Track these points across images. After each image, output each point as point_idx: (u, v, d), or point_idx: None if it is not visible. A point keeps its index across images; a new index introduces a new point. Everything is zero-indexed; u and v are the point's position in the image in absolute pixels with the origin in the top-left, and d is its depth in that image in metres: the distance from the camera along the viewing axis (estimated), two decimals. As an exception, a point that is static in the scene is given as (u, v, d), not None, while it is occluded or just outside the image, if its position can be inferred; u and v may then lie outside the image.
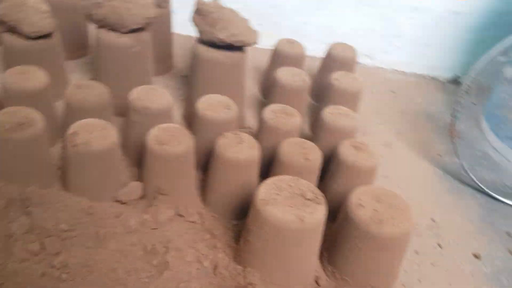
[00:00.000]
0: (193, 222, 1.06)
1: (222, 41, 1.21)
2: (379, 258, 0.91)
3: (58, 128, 1.19)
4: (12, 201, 0.95)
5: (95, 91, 1.10)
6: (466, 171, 1.37)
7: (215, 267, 0.96)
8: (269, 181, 0.90)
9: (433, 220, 1.24)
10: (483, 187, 1.37)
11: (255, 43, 1.25)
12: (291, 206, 0.85)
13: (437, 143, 1.58)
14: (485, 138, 1.60)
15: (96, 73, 1.32)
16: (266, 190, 0.88)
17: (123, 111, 1.27)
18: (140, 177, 1.12)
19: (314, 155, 1.05)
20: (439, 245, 1.16)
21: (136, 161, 1.17)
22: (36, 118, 0.96)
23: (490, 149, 1.56)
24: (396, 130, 1.60)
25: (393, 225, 0.88)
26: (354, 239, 0.91)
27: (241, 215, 1.09)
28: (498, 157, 1.51)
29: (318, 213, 0.86)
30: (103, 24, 1.24)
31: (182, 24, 1.67)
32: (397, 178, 1.36)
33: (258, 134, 1.19)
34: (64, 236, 0.93)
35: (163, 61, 1.58)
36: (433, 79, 2.03)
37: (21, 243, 0.89)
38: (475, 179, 1.37)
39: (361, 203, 0.92)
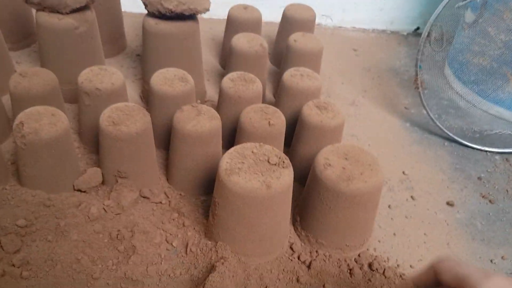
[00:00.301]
0: (159, 202, 1.02)
1: (171, 11, 1.15)
2: (352, 216, 0.89)
3: (7, 123, 1.13)
4: (-38, 202, 0.90)
5: (42, 79, 1.03)
6: (433, 121, 1.36)
7: (186, 246, 0.93)
8: (232, 150, 0.87)
9: (404, 173, 1.23)
10: (451, 134, 1.36)
11: (207, 9, 1.19)
12: (256, 173, 0.82)
13: (403, 96, 1.56)
14: (449, 86, 1.59)
15: (42, 60, 1.25)
16: (229, 160, 0.84)
17: (75, 98, 1.21)
18: (99, 163, 1.07)
19: (277, 120, 1.01)
20: (412, 197, 1.15)
21: (93, 147, 1.12)
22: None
23: (456, 96, 1.55)
24: (361, 88, 1.58)
25: (362, 180, 0.86)
26: (324, 200, 0.89)
27: (209, 189, 1.05)
28: (464, 103, 1.51)
29: (285, 177, 0.83)
30: (41, 7, 1.16)
31: (133, 2, 1.60)
32: (365, 136, 1.34)
33: (219, 105, 1.15)
34: (23, 232, 0.88)
35: (115, 41, 1.51)
36: (395, 33, 2.00)
37: (-25, 245, 0.84)
38: (442, 128, 1.36)
39: (329, 162, 0.89)
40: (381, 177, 0.89)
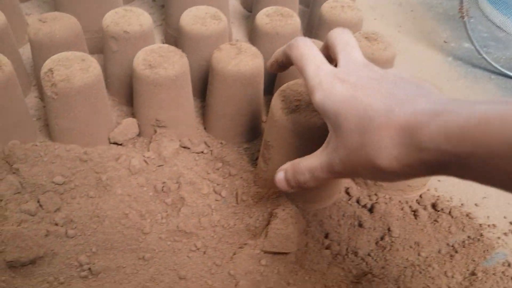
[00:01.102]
0: (200, 152, 0.95)
1: None
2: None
3: (26, 78, 1.05)
4: (-6, 160, 0.83)
5: (64, 23, 0.93)
6: (479, 52, 1.27)
7: (236, 196, 0.86)
8: (285, 87, 0.78)
9: (455, 109, 1.14)
10: (498, 66, 1.27)
11: None
12: (315, 111, 0.74)
13: (441, 30, 1.46)
14: (487, 17, 1.48)
15: (56, 7, 1.15)
16: (284, 98, 0.76)
17: (95, 47, 1.12)
18: (133, 114, 0.99)
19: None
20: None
21: (123, 98, 1.04)
22: (3, 61, 0.81)
23: (494, 27, 1.45)
24: (395, 23, 1.47)
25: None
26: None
27: (252, 136, 0.98)
28: (505, 33, 1.41)
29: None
30: None
31: None
32: (407, 72, 1.25)
33: (252, 44, 1.06)
34: (62, 190, 0.82)
35: (129, -14, 1.40)
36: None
37: (13, 204, 0.77)
38: (489, 60, 1.27)
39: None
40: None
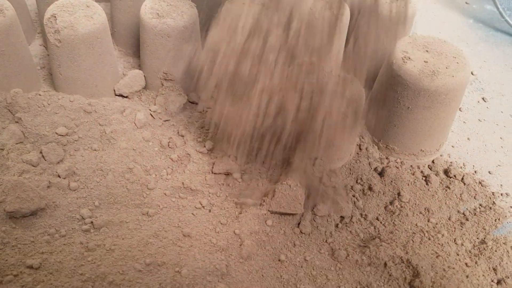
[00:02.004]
0: (208, 108, 0.92)
1: None
2: (432, 116, 0.79)
3: (31, 24, 1.01)
4: (-5, 108, 0.80)
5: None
6: (501, 15, 1.21)
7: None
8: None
9: (472, 74, 1.10)
10: (521, 30, 1.22)
11: None
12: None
13: (462, -9, 1.39)
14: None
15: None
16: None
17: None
18: (139, 66, 0.96)
19: (341, 10, 0.87)
20: (484, 99, 1.04)
21: (130, 49, 1.00)
22: (5, 4, 0.77)
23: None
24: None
25: (448, 75, 0.75)
26: (402, 99, 0.78)
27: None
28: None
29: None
30: None
31: None
32: (426, 32, 1.20)
33: None
34: (65, 141, 0.79)
35: None
36: None
37: (15, 154, 0.75)
38: (511, 23, 1.21)
39: (408, 55, 0.78)
40: (468, 71, 0.78)
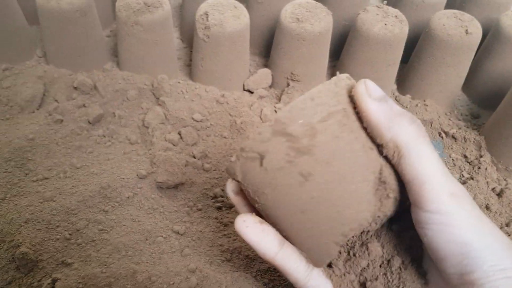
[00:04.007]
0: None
1: None
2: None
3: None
4: (143, 90, 0.90)
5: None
6: None
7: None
8: None
9: None
10: None
11: None
12: None
13: None
14: None
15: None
16: None
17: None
18: (265, 65, 1.03)
19: (474, 28, 0.89)
20: None
21: (258, 49, 1.07)
22: (162, -2, 0.87)
23: None
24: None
25: None
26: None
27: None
28: None
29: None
30: None
31: None
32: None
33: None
34: (199, 127, 0.88)
35: None
36: None
37: (159, 133, 0.85)
38: None
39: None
40: None
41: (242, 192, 0.47)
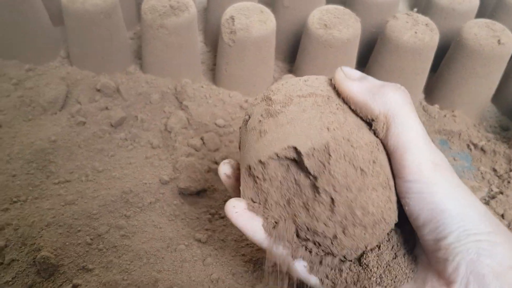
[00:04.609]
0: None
1: None
2: None
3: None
4: (166, 94, 0.89)
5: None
6: None
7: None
8: None
9: None
10: None
11: None
12: None
13: None
14: None
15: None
16: None
17: (263, 2, 1.14)
18: (289, 70, 1.01)
19: (506, 39, 0.86)
20: None
21: (282, 55, 1.05)
22: (190, 3, 0.86)
23: None
24: None
25: None
26: None
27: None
28: None
29: None
30: None
31: None
32: None
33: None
34: (221, 132, 0.86)
35: None
36: None
37: (181, 138, 0.83)
38: None
39: None
40: None
41: (234, 175, 0.48)
